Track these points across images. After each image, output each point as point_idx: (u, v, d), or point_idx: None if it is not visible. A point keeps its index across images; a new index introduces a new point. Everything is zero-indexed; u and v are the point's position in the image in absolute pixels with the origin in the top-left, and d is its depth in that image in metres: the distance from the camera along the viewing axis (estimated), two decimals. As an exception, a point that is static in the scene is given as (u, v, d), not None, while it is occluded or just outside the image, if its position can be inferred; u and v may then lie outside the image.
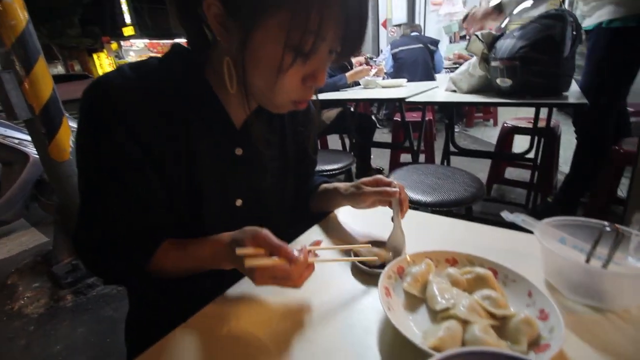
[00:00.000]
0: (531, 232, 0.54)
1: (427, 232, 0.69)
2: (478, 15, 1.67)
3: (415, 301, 0.48)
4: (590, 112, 1.46)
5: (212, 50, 0.53)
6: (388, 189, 0.62)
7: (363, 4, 0.43)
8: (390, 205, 0.63)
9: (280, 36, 0.42)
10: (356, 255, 0.58)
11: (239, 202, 0.61)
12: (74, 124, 2.03)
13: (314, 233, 0.72)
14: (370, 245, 0.61)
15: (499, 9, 1.64)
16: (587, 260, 0.50)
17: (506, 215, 0.54)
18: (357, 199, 0.66)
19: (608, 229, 0.48)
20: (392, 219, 0.62)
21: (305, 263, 0.45)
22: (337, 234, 0.72)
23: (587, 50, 1.65)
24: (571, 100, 1.34)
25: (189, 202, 0.55)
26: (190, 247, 0.54)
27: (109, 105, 0.46)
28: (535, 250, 0.58)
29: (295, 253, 0.45)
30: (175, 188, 0.53)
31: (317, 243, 0.56)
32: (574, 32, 1.32)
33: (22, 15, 1.52)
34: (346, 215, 0.79)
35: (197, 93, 0.53)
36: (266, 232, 0.46)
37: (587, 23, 1.62)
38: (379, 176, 0.66)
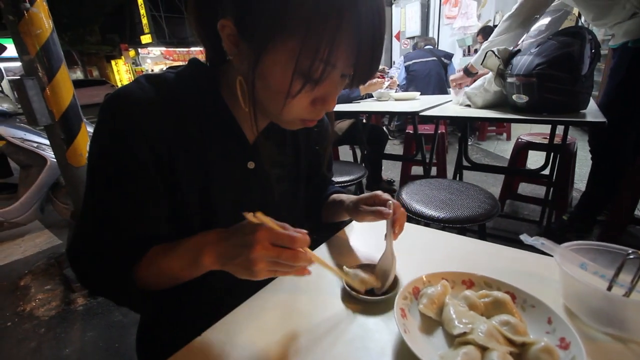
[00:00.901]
0: (548, 254, 0.53)
1: (439, 250, 0.68)
2: (451, 80, 2.07)
3: (432, 323, 0.47)
4: (609, 131, 1.44)
5: (227, 66, 0.54)
6: (382, 209, 0.60)
7: (377, 33, 0.42)
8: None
9: (289, 62, 0.41)
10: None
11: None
12: (92, 129, 2.08)
13: (319, 251, 0.72)
14: (359, 269, 0.58)
15: (467, 73, 1.94)
16: (609, 288, 0.48)
17: (525, 238, 0.53)
18: (355, 216, 0.67)
19: (632, 256, 0.47)
20: (385, 238, 0.60)
21: (308, 240, 0.43)
22: (338, 253, 0.70)
23: (610, 68, 1.64)
24: (589, 118, 1.32)
25: (201, 214, 0.56)
26: (176, 243, 0.51)
27: (126, 116, 0.47)
28: (552, 274, 0.57)
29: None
30: (188, 200, 0.54)
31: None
32: (593, 50, 1.31)
33: (47, 24, 1.58)
34: (358, 231, 0.79)
35: (211, 108, 0.54)
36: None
37: (613, 42, 1.61)
38: (378, 192, 0.65)
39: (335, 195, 0.77)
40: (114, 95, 0.49)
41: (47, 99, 1.62)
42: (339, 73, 0.45)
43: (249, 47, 0.44)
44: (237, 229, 0.45)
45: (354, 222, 0.81)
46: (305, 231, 0.44)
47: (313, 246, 0.72)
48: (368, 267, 0.59)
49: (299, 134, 0.68)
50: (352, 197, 0.71)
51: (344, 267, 0.58)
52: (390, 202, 0.61)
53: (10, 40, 1.56)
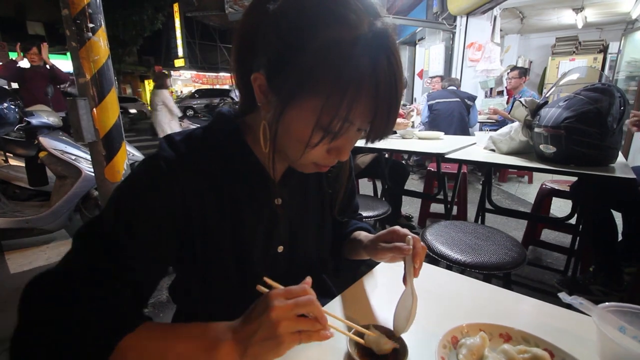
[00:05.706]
0: (581, 311, 0.53)
1: (467, 297, 0.69)
2: None
3: (470, 374, 0.48)
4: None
5: (256, 113, 0.59)
6: (401, 245, 0.58)
7: (393, 96, 0.46)
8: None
9: (311, 117, 0.46)
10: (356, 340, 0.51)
11: (280, 249, 0.66)
12: (130, 149, 2.20)
13: (333, 305, 0.67)
14: (373, 330, 0.53)
15: None
16: (650, 354, 0.49)
17: (564, 296, 0.54)
18: (374, 255, 0.66)
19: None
20: (404, 280, 0.56)
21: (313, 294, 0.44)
22: (351, 309, 0.65)
23: None
24: (619, 173, 1.32)
25: (234, 253, 0.59)
26: (177, 325, 0.49)
27: (155, 176, 0.52)
28: (587, 333, 0.57)
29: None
30: (221, 241, 0.58)
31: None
32: (622, 107, 1.33)
33: (104, 50, 1.72)
34: (377, 281, 0.75)
35: (238, 154, 0.58)
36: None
37: None
38: (396, 228, 0.63)
39: (356, 233, 0.78)
40: (150, 160, 0.54)
41: (94, 117, 1.74)
42: (355, 128, 0.49)
43: (276, 99, 0.48)
44: (250, 310, 0.45)
45: (373, 271, 0.78)
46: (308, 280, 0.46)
47: (338, 284, 0.72)
48: (381, 329, 0.54)
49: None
50: (371, 235, 0.71)
51: (357, 327, 0.53)
52: (409, 237, 0.59)
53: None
